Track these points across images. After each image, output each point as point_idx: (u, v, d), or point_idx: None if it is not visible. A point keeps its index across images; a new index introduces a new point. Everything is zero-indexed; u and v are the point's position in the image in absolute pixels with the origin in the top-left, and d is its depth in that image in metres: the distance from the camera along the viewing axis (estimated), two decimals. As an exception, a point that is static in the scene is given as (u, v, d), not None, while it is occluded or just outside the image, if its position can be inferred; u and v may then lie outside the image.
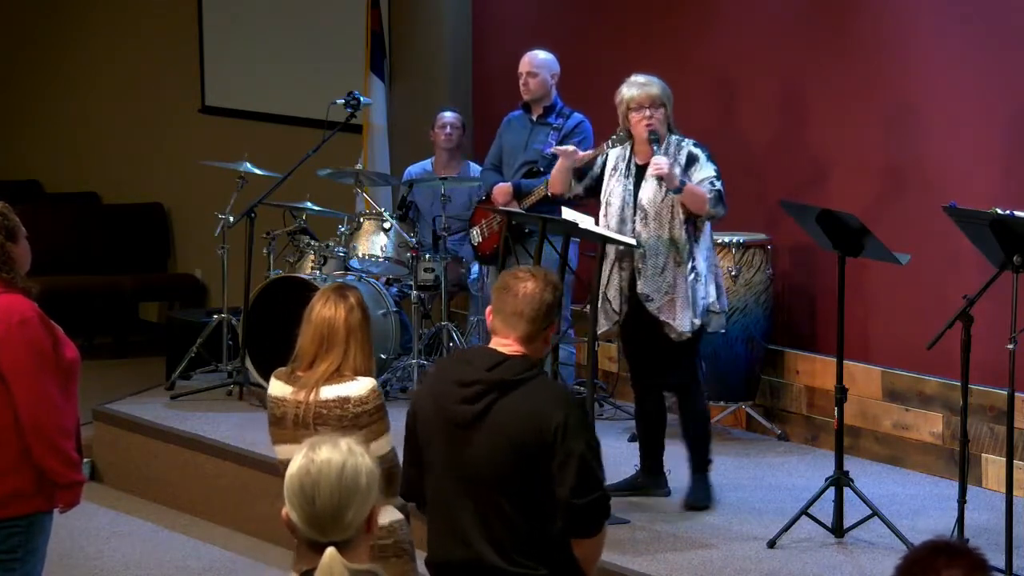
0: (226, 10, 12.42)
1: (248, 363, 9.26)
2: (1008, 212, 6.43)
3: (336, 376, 4.93)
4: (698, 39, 9.23)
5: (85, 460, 6.09)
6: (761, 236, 8.73)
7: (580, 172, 7.51)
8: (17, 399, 5.33)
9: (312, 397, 4.92)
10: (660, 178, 7.18)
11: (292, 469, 3.35)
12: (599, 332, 7.37)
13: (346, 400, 4.89)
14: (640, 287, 7.24)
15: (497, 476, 4.42)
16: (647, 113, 7.26)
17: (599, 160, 7.47)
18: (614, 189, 7.35)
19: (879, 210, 8.08)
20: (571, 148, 7.66)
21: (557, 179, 7.60)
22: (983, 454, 7.77)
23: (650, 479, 7.54)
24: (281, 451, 5.00)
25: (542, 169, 8.99)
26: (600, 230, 7.47)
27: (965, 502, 6.43)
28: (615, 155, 7.41)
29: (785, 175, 8.81)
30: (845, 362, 7.07)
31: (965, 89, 7.99)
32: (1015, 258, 6.22)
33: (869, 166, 8.43)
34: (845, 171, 8.52)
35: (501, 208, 8.80)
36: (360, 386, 4.92)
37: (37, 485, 5.41)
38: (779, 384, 8.76)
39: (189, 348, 9.67)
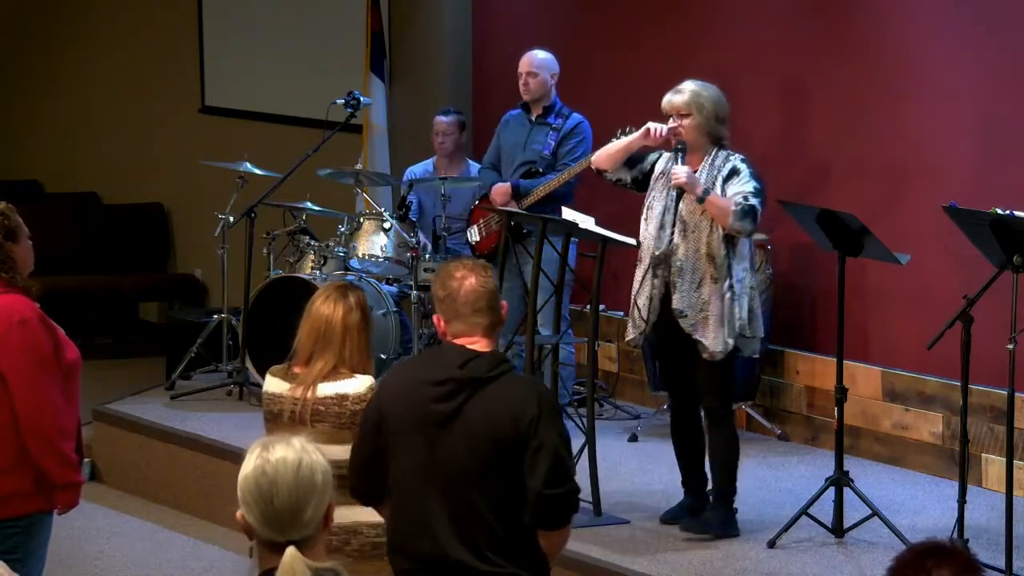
0: (226, 10, 12.42)
1: (248, 363, 9.26)
2: (1008, 212, 6.43)
3: (334, 373, 4.94)
4: (698, 39, 9.23)
5: (85, 460, 6.09)
6: (761, 236, 8.70)
7: (632, 160, 7.19)
8: (15, 399, 5.34)
9: (310, 394, 4.93)
10: (683, 189, 6.91)
11: (246, 470, 3.34)
12: (626, 339, 7.22)
13: (344, 397, 4.90)
14: (675, 302, 6.94)
15: (472, 473, 4.43)
16: (670, 122, 7.00)
17: (651, 156, 7.16)
18: (657, 195, 7.06)
19: (879, 210, 8.08)
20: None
21: (606, 156, 7.27)
22: (983, 454, 7.77)
23: (700, 501, 7.23)
24: None
25: (541, 170, 9.00)
26: (600, 230, 7.46)
27: (965, 502, 6.43)
28: (665, 159, 7.12)
29: (785, 175, 8.80)
30: (845, 362, 7.07)
31: (965, 89, 7.99)
32: (1015, 258, 6.22)
33: (869, 166, 8.43)
34: (845, 171, 8.53)
35: (501, 208, 8.81)
36: (358, 383, 4.93)
37: (37, 485, 5.41)
38: (779, 384, 8.76)
39: (189, 348, 9.67)
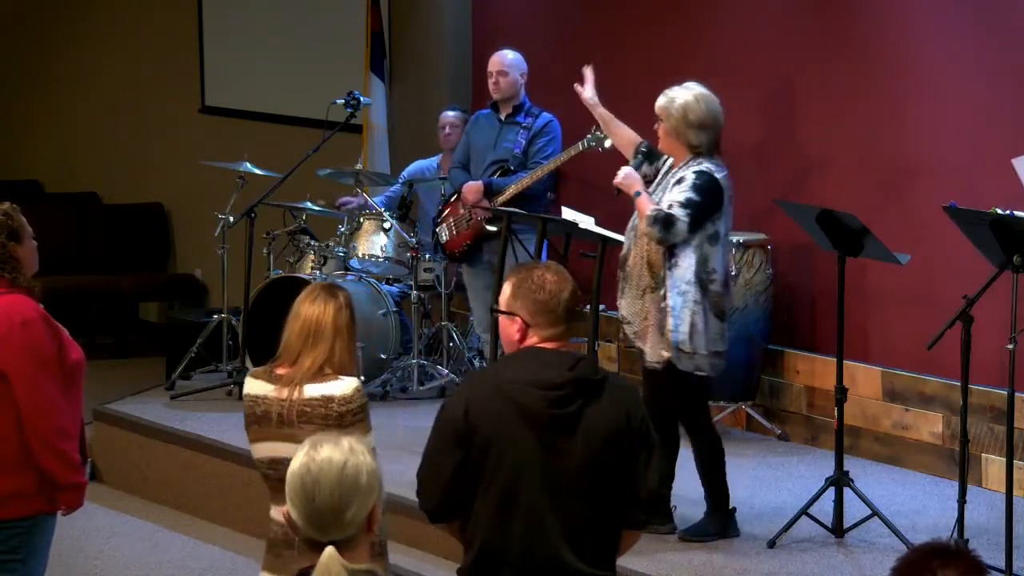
0: (226, 10, 12.43)
1: (248, 363, 9.26)
2: (1008, 212, 6.43)
3: (320, 375, 4.90)
4: (698, 39, 9.23)
5: (85, 460, 6.09)
6: (761, 236, 8.73)
7: (652, 156, 7.10)
8: (18, 400, 5.33)
9: (296, 395, 4.89)
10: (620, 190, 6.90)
11: (293, 467, 3.35)
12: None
13: (330, 399, 4.86)
14: (622, 308, 6.92)
15: (588, 477, 4.37)
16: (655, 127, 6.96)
17: (664, 156, 7.04)
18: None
19: (879, 210, 8.08)
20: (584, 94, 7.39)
21: (615, 137, 7.35)
22: (983, 454, 7.77)
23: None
24: (260, 449, 4.96)
25: (512, 168, 9.03)
26: (600, 230, 7.46)
27: (965, 502, 6.43)
28: (671, 161, 7.01)
29: (785, 175, 8.81)
30: (845, 362, 7.07)
31: (965, 88, 7.99)
32: (1015, 258, 6.22)
33: (869, 166, 8.43)
34: (845, 171, 8.53)
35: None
36: (344, 385, 4.88)
37: (38, 486, 5.40)
38: (779, 384, 8.76)
39: (189, 348, 9.67)
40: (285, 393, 4.90)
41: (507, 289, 4.53)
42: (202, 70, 12.63)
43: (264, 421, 4.94)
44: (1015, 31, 7.83)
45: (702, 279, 6.76)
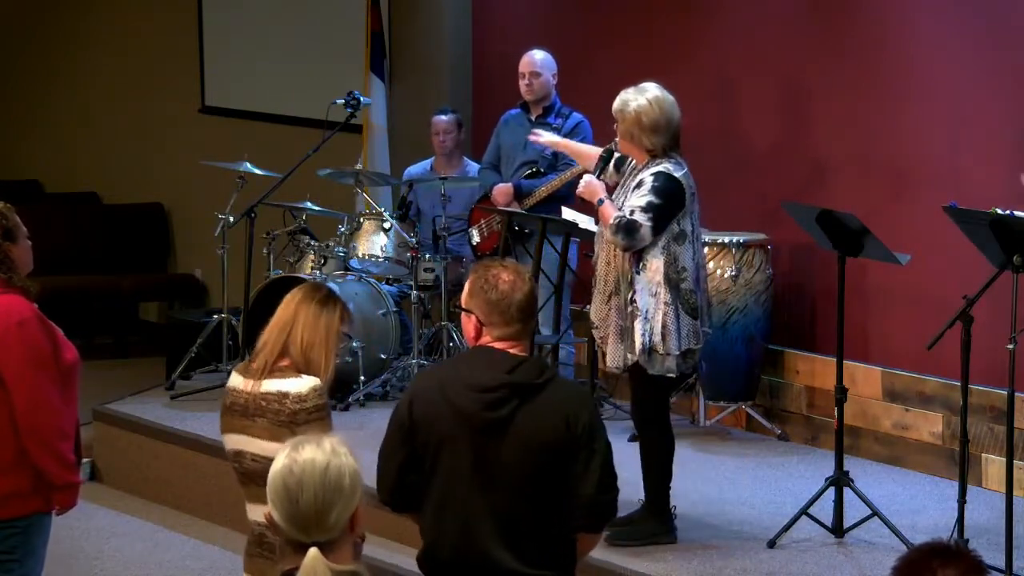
0: (226, 10, 12.43)
1: (248, 363, 9.25)
2: (1008, 212, 6.43)
3: (281, 371, 4.87)
4: (698, 38, 9.23)
5: (85, 460, 6.08)
6: (761, 236, 8.73)
7: (619, 160, 7.04)
8: (14, 401, 5.33)
9: (256, 388, 4.88)
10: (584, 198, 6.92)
11: (275, 468, 3.34)
12: None
13: (285, 395, 4.82)
14: (591, 313, 6.89)
15: (522, 478, 4.41)
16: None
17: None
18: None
19: (879, 210, 8.08)
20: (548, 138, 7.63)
21: (582, 161, 7.42)
22: (983, 454, 7.77)
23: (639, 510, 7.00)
24: (227, 440, 4.96)
25: (543, 169, 9.01)
26: (599, 229, 7.46)
27: (965, 502, 6.43)
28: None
29: (786, 175, 8.81)
30: (845, 362, 7.07)
31: (965, 89, 8.00)
32: (1015, 258, 6.22)
33: (869, 166, 8.43)
34: (845, 171, 8.53)
35: (501, 208, 8.81)
36: (301, 383, 4.84)
37: (35, 486, 5.40)
38: (779, 384, 8.76)
39: (189, 348, 9.67)
40: (249, 386, 4.89)
41: (466, 286, 4.58)
42: (202, 70, 12.63)
43: (230, 412, 4.93)
44: (1015, 31, 7.83)
45: (672, 279, 6.70)
